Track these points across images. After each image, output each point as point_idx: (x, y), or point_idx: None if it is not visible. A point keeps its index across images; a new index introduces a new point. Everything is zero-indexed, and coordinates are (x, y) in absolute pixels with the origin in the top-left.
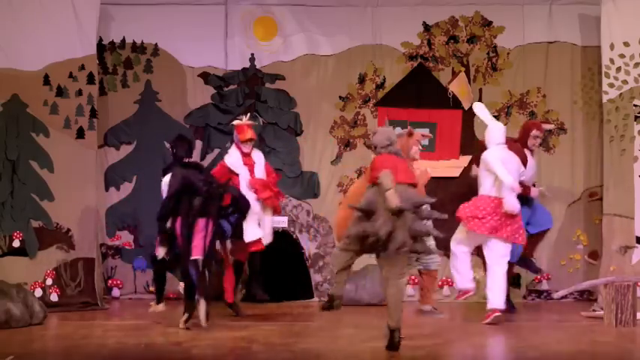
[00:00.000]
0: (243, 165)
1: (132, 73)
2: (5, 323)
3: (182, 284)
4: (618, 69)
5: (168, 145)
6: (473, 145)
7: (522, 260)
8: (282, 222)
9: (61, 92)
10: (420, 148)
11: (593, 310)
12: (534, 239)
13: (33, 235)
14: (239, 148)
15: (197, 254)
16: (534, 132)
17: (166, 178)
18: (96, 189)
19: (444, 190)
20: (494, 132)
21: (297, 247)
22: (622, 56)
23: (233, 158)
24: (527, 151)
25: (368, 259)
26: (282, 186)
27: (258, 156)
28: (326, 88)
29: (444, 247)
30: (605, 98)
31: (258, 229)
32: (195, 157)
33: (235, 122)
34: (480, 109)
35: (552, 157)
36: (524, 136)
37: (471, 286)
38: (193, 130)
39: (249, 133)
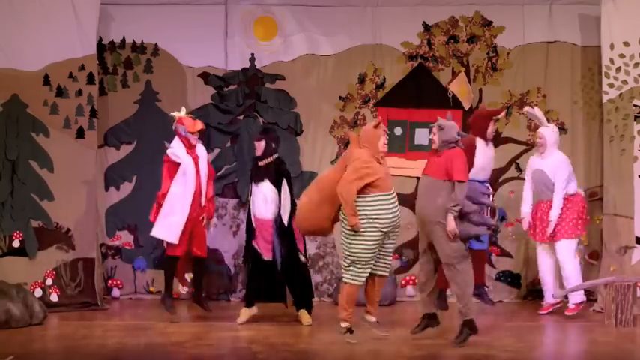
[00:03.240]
0: (187, 154)
1: (132, 73)
2: (5, 323)
3: (183, 286)
4: (618, 69)
5: (258, 137)
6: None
7: (475, 288)
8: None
9: (61, 92)
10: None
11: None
12: (478, 264)
13: (33, 235)
14: (184, 140)
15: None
16: (494, 118)
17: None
18: (96, 189)
19: None
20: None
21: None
22: (622, 56)
23: (177, 149)
24: (482, 142)
25: None
26: None
27: (201, 149)
28: (326, 88)
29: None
30: (605, 98)
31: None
32: None
33: (178, 114)
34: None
35: None
36: (484, 124)
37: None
38: None
39: (199, 124)
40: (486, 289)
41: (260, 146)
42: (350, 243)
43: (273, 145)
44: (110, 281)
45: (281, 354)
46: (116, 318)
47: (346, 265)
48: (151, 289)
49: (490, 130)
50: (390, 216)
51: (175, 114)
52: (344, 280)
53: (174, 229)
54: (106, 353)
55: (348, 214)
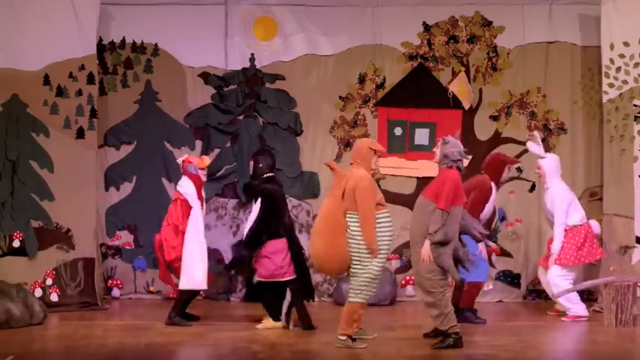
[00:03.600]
0: (197, 199)
1: (132, 73)
2: (5, 323)
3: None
4: (618, 69)
5: (252, 160)
6: (473, 146)
7: (460, 313)
8: None
9: (61, 92)
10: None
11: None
12: (472, 291)
13: (33, 235)
14: (195, 179)
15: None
16: (509, 166)
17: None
18: (96, 189)
19: None
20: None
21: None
22: (622, 56)
23: (189, 191)
24: (494, 187)
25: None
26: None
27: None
28: (326, 88)
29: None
30: (605, 98)
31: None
32: None
33: (185, 156)
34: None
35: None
36: (499, 169)
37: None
38: (193, 130)
39: (207, 159)
40: (474, 312)
41: (250, 166)
42: (364, 263)
43: (260, 165)
44: (110, 281)
45: (281, 354)
46: (116, 318)
47: (361, 285)
48: (151, 289)
49: (504, 176)
50: (392, 231)
51: (180, 158)
52: (355, 300)
53: (200, 277)
54: (106, 353)
55: (372, 240)
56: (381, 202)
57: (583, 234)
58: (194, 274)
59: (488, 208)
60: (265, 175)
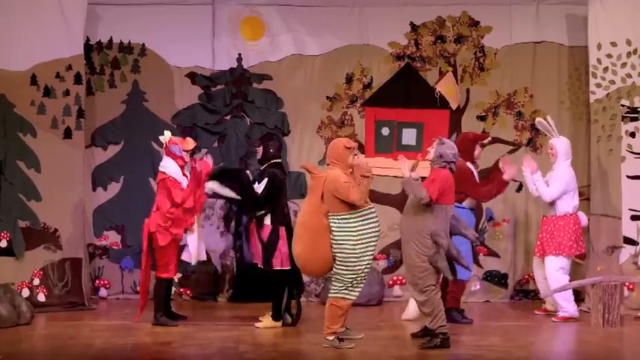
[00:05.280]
0: (183, 176)
1: (119, 73)
2: None
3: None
4: (605, 69)
5: (257, 144)
6: None
7: (447, 313)
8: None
9: (48, 92)
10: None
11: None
12: (456, 291)
13: (20, 235)
14: (178, 159)
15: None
16: (480, 143)
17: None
18: (83, 189)
19: None
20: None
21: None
22: (609, 56)
23: (174, 169)
24: (471, 165)
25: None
26: None
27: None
28: (313, 89)
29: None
30: (592, 98)
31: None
32: None
33: (169, 136)
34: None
35: (540, 157)
36: (470, 148)
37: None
38: (181, 130)
39: (192, 141)
40: (461, 312)
41: (258, 151)
42: (353, 262)
43: (271, 150)
44: (97, 281)
45: (268, 354)
46: (103, 318)
47: (348, 283)
48: (138, 289)
49: (477, 154)
50: (378, 228)
51: (163, 137)
52: (335, 296)
53: (194, 250)
54: (93, 353)
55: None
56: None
57: (573, 223)
58: (189, 249)
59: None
60: (274, 161)
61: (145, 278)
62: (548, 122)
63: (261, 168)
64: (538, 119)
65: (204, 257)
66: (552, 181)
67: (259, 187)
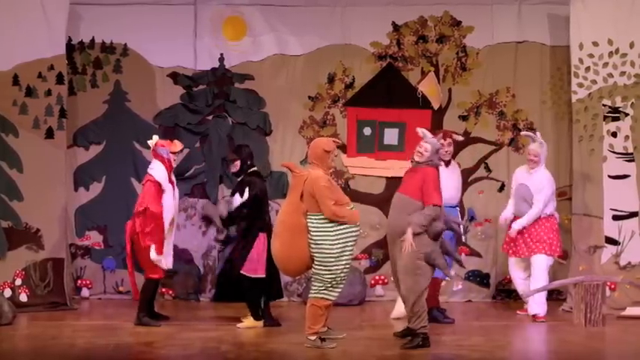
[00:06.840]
0: (169, 183)
1: (101, 73)
2: None
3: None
4: (587, 69)
5: (234, 157)
6: None
7: (429, 312)
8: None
9: (30, 92)
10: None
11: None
12: (431, 288)
13: (2, 236)
14: (166, 162)
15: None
16: (447, 140)
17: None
18: (65, 189)
19: None
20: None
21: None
22: (591, 56)
23: (161, 174)
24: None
25: None
26: None
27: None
28: (295, 88)
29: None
30: (574, 98)
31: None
32: None
33: (157, 141)
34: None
35: (522, 156)
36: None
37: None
38: (162, 130)
39: (179, 144)
40: (442, 311)
41: (236, 164)
42: (331, 263)
43: (248, 162)
44: (79, 281)
45: (250, 354)
46: (85, 318)
47: (327, 284)
48: (120, 289)
49: (441, 151)
50: (357, 228)
51: (152, 141)
52: (316, 297)
53: (167, 261)
54: (76, 353)
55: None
56: (340, 202)
57: (555, 224)
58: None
59: (449, 185)
60: (251, 170)
61: (133, 281)
62: (534, 135)
63: (239, 179)
64: (523, 132)
65: (169, 265)
66: (536, 193)
67: (236, 200)
